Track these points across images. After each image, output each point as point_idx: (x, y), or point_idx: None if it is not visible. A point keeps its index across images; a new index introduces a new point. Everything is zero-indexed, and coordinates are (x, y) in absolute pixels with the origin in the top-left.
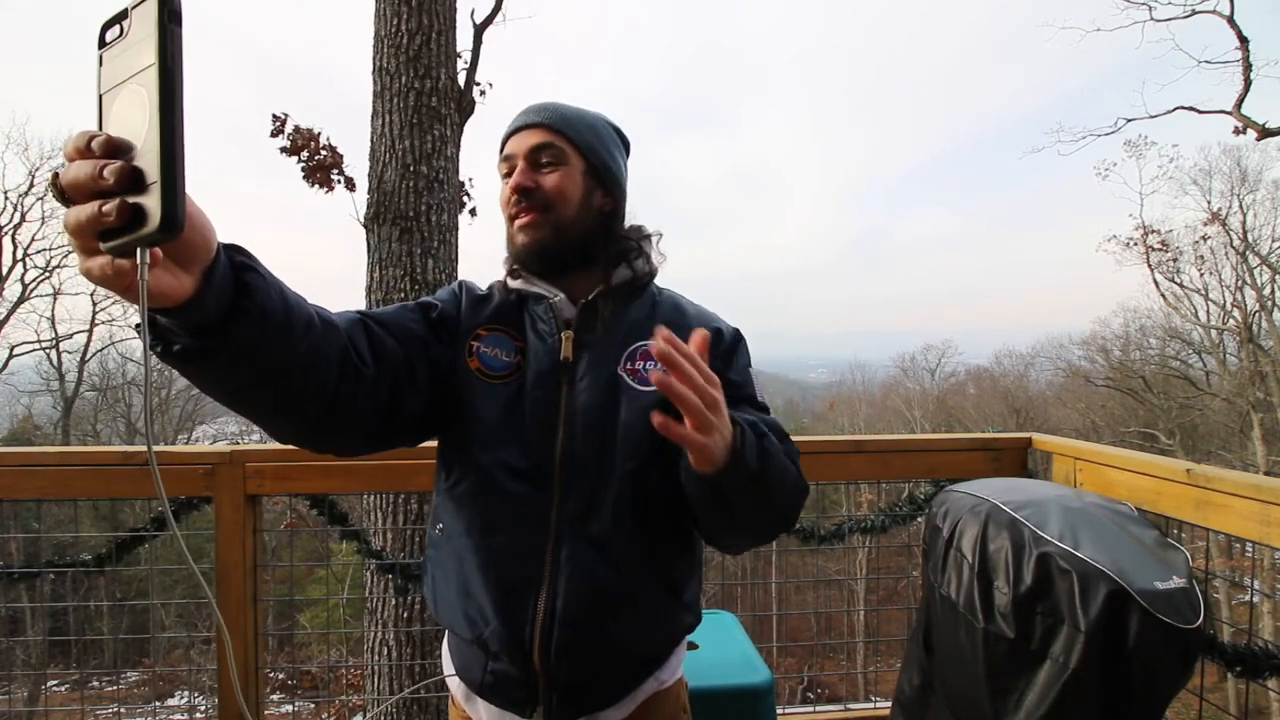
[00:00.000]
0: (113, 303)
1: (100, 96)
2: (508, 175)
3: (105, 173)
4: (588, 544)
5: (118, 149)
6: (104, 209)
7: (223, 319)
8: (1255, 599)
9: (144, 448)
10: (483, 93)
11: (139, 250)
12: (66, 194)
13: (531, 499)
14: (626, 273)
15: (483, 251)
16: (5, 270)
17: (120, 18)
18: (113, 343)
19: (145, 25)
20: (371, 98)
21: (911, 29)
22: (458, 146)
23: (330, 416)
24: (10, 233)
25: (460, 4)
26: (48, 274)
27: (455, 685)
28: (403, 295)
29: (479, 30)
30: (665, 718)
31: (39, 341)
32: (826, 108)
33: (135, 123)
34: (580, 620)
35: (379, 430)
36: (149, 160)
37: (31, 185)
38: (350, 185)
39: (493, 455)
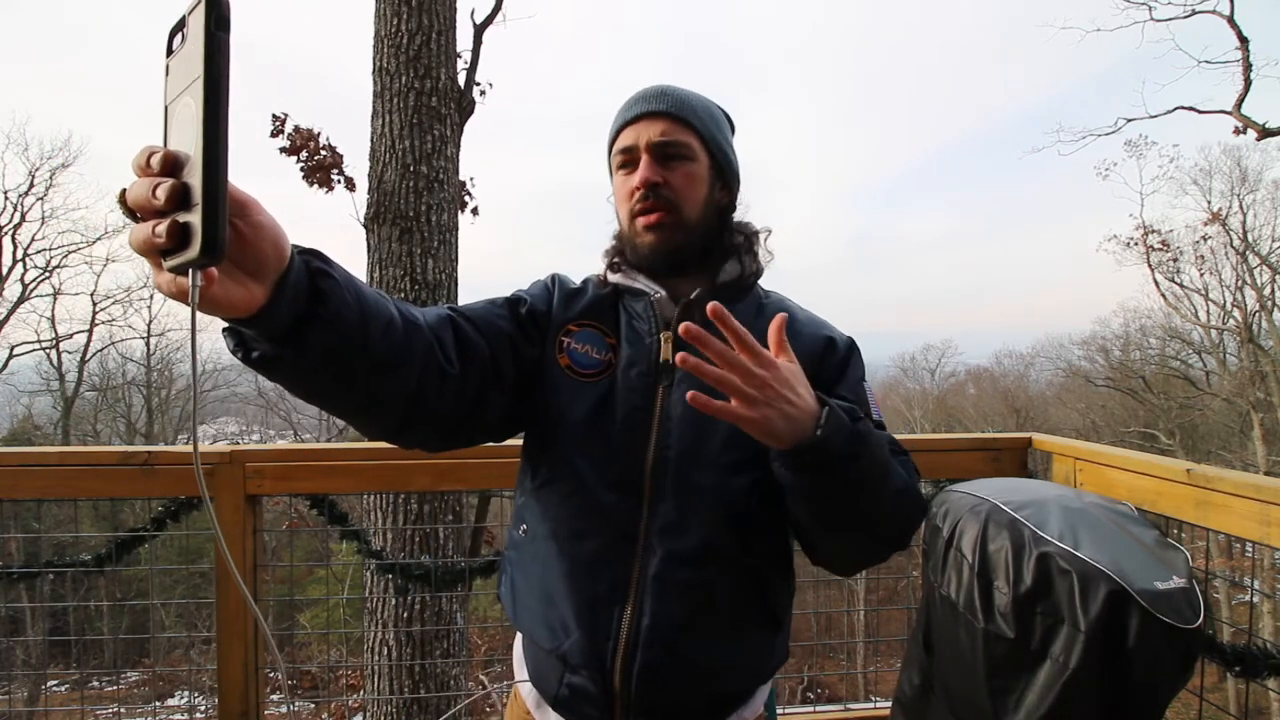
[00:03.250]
0: (113, 303)
1: (166, 108)
2: (625, 166)
3: (158, 192)
4: (679, 559)
5: (174, 165)
6: (156, 230)
7: (297, 326)
8: (1255, 599)
9: (144, 448)
10: (483, 93)
11: (190, 271)
12: (134, 211)
13: (619, 506)
14: (735, 269)
15: (483, 251)
16: (5, 270)
17: (181, 25)
18: (113, 343)
19: (196, 33)
20: (371, 98)
21: (910, 26)
22: (458, 146)
23: (413, 416)
24: (10, 233)
25: (460, 4)
26: (48, 274)
27: (527, 691)
28: (403, 295)
29: (479, 30)
30: None
31: (39, 341)
32: (825, 105)
33: (189, 136)
34: (669, 643)
35: (464, 428)
36: (196, 178)
37: (31, 185)
38: (350, 185)
39: (581, 457)
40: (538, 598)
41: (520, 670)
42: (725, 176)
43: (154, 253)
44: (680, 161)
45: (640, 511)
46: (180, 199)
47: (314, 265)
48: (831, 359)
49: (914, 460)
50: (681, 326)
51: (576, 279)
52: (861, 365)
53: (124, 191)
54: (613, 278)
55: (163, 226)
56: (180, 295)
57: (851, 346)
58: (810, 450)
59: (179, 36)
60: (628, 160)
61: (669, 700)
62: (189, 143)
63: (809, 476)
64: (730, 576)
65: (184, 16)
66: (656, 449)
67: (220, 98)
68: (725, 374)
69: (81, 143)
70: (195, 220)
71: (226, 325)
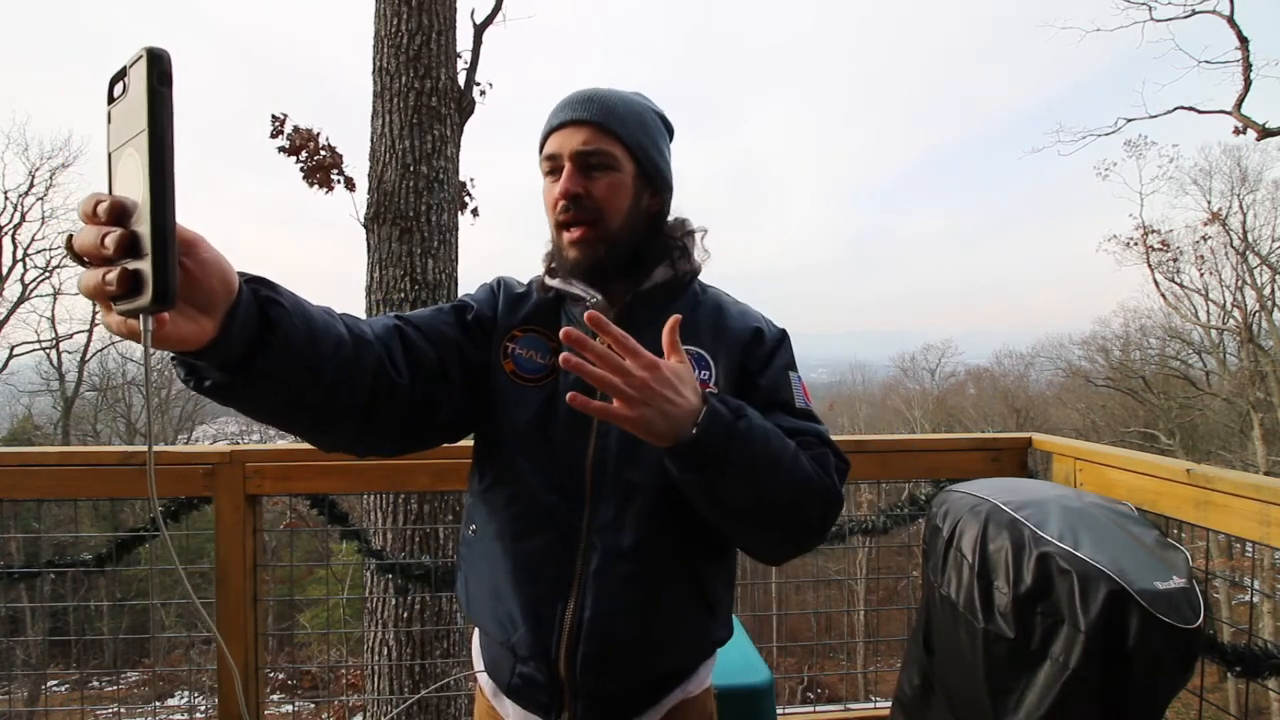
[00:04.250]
0: None
1: (109, 155)
2: (550, 174)
3: (106, 241)
4: (618, 555)
5: (122, 213)
6: (107, 278)
7: (247, 355)
8: (1255, 599)
9: (144, 448)
10: (483, 93)
11: (141, 316)
12: (80, 257)
13: (561, 506)
14: (667, 272)
15: (483, 251)
16: (5, 270)
17: (121, 75)
18: (113, 343)
19: (138, 86)
20: (371, 98)
21: (910, 27)
22: (458, 146)
23: (366, 427)
24: (10, 233)
25: (460, 4)
26: (48, 274)
27: (484, 680)
28: (402, 295)
29: (479, 30)
30: None
31: (39, 341)
32: (825, 104)
33: (136, 186)
34: (607, 633)
35: (415, 434)
36: (144, 226)
37: (31, 185)
38: (350, 185)
39: (525, 461)
40: (488, 593)
41: (478, 661)
42: (654, 184)
43: (103, 298)
44: (603, 171)
45: (581, 511)
46: (129, 247)
47: (262, 294)
48: (758, 349)
49: (909, 460)
50: (562, 332)
51: (523, 280)
52: (790, 354)
53: (70, 237)
54: (551, 282)
55: (113, 275)
56: (131, 335)
57: (781, 337)
58: (687, 447)
59: (119, 85)
60: (552, 168)
61: (612, 684)
62: (134, 191)
63: (692, 473)
64: (668, 569)
65: (125, 68)
66: (595, 450)
67: (165, 153)
68: (605, 374)
69: (81, 143)
70: (145, 268)
71: (174, 355)
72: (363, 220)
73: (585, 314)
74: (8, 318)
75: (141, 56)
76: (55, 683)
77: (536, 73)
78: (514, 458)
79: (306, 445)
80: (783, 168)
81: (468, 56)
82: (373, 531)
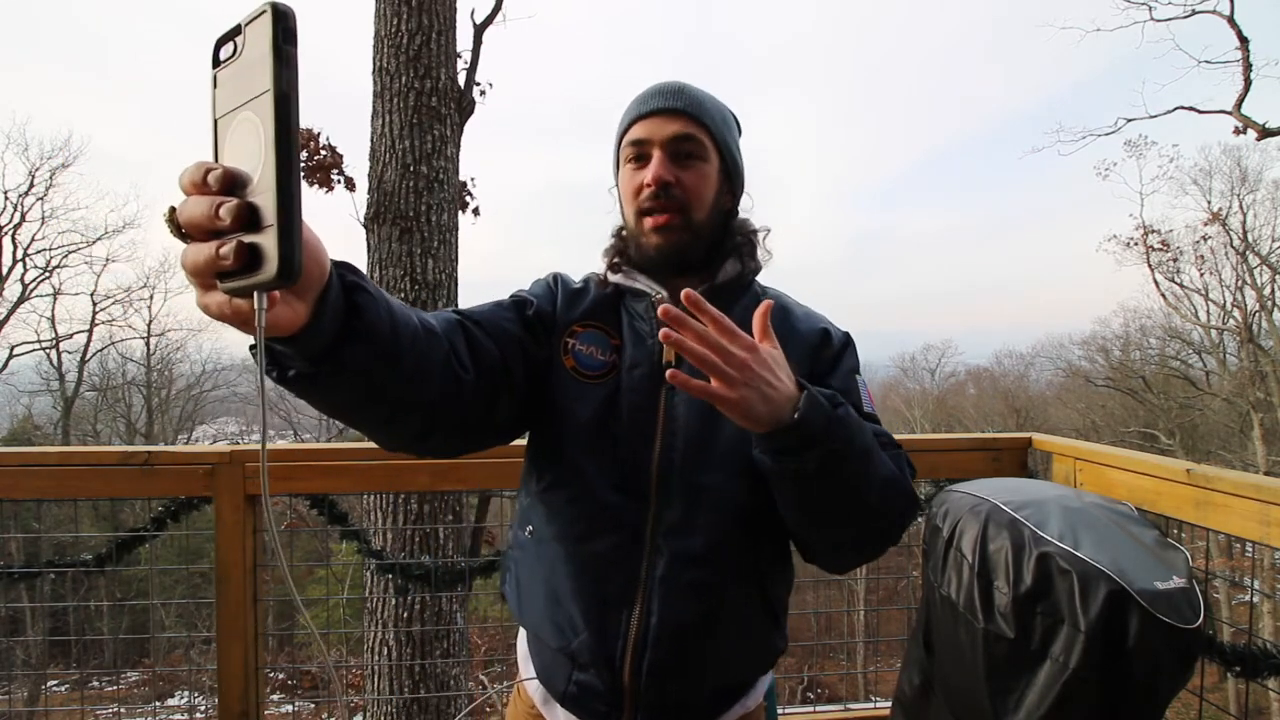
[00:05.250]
0: (113, 303)
1: (215, 121)
2: (635, 160)
3: (222, 212)
4: (686, 560)
5: (234, 183)
6: (221, 251)
7: (335, 343)
8: (1255, 599)
9: (144, 448)
10: (483, 93)
11: (256, 294)
12: (185, 230)
13: (626, 507)
14: (734, 268)
15: (483, 251)
16: (5, 270)
17: (234, 34)
18: (113, 343)
19: (259, 46)
20: (371, 98)
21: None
22: (458, 146)
23: (432, 423)
24: (10, 233)
25: (460, 4)
26: (48, 274)
27: (534, 688)
28: (403, 295)
29: (479, 30)
30: None
31: (39, 341)
32: (824, 103)
33: (251, 154)
34: (675, 640)
35: (477, 432)
36: (265, 198)
37: (31, 185)
38: (350, 185)
39: (587, 459)
40: (544, 597)
41: (526, 667)
42: (733, 180)
43: (212, 274)
44: (694, 161)
45: (647, 513)
46: (247, 220)
47: (348, 279)
48: (826, 351)
49: (913, 460)
50: (661, 308)
51: (577, 278)
52: (856, 359)
53: (173, 209)
54: (613, 278)
55: (228, 248)
56: (232, 317)
57: (846, 340)
58: (786, 433)
59: (229, 46)
60: (639, 154)
61: (676, 694)
62: (249, 160)
63: (791, 459)
64: (735, 575)
65: (239, 25)
66: (661, 450)
67: (293, 117)
68: (707, 353)
69: (81, 143)
70: (263, 242)
71: (252, 344)
72: (363, 220)
73: (683, 294)
74: (8, 318)
75: (265, 11)
76: (55, 683)
77: (536, 73)
78: (575, 456)
79: (307, 445)
80: (782, 167)
81: (468, 56)
82: (373, 531)
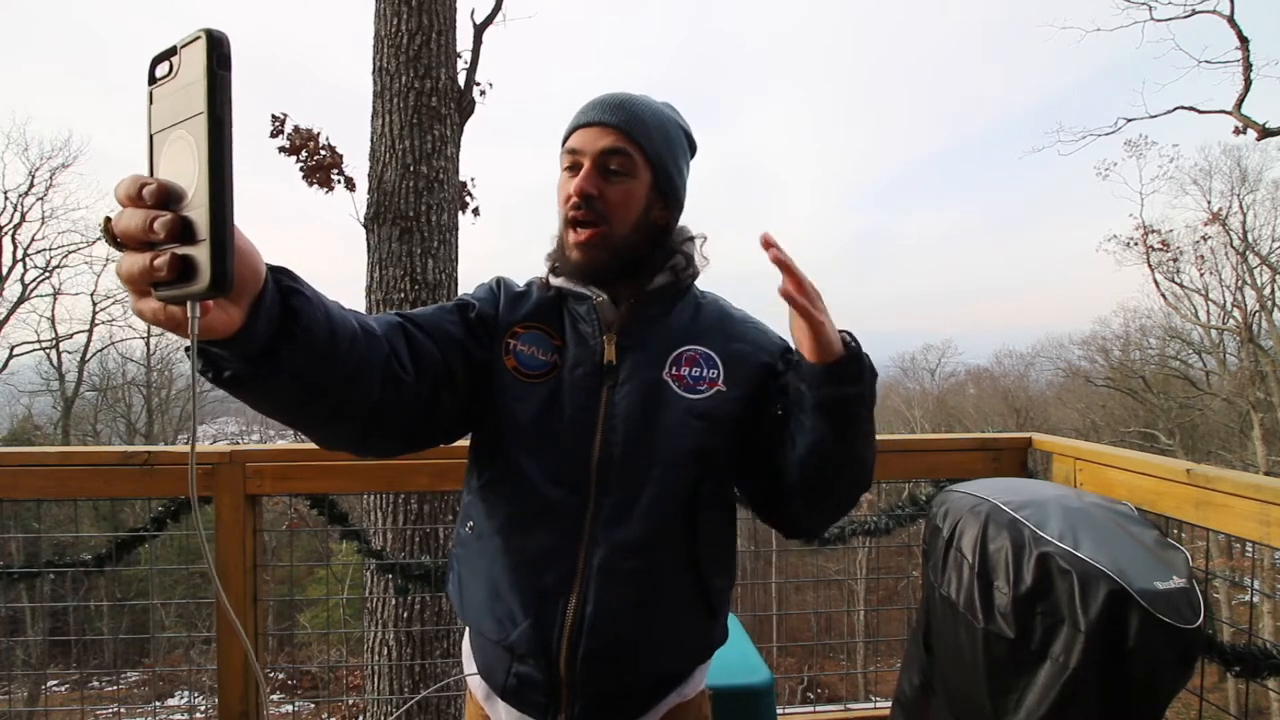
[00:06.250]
0: (113, 303)
1: (151, 137)
2: (569, 169)
3: (155, 225)
4: (624, 550)
5: (169, 197)
6: (155, 263)
7: (271, 345)
8: (1255, 599)
9: (144, 448)
10: (483, 93)
11: (189, 303)
12: (119, 240)
13: (565, 502)
14: (666, 278)
15: (483, 251)
16: (5, 270)
17: (169, 54)
18: (113, 343)
19: (194, 68)
20: (371, 98)
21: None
22: (458, 146)
23: (374, 424)
24: (10, 233)
25: (460, 4)
26: (48, 274)
27: (476, 684)
28: (402, 295)
29: (479, 30)
30: None
31: (39, 341)
32: (824, 103)
33: (186, 170)
34: (609, 629)
35: (420, 431)
36: (199, 214)
37: (31, 185)
38: (350, 185)
39: (527, 456)
40: (485, 592)
41: (469, 665)
42: (667, 198)
43: (147, 284)
44: (620, 177)
45: (586, 506)
46: (180, 233)
47: (285, 284)
48: (791, 354)
49: (909, 460)
50: (762, 236)
51: (520, 281)
52: None
53: (109, 220)
54: (555, 281)
55: (163, 260)
56: (167, 323)
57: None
58: (852, 359)
59: (165, 65)
60: (573, 163)
61: (611, 683)
62: (184, 176)
63: (850, 387)
64: (672, 565)
65: (175, 47)
66: (602, 444)
67: (225, 138)
68: (804, 275)
69: (81, 143)
70: (196, 254)
71: (187, 346)
72: (363, 220)
73: (761, 237)
74: (8, 318)
75: (199, 38)
76: (55, 683)
77: (536, 73)
78: (516, 453)
79: (307, 445)
80: (781, 166)
81: (468, 56)
82: (373, 531)
